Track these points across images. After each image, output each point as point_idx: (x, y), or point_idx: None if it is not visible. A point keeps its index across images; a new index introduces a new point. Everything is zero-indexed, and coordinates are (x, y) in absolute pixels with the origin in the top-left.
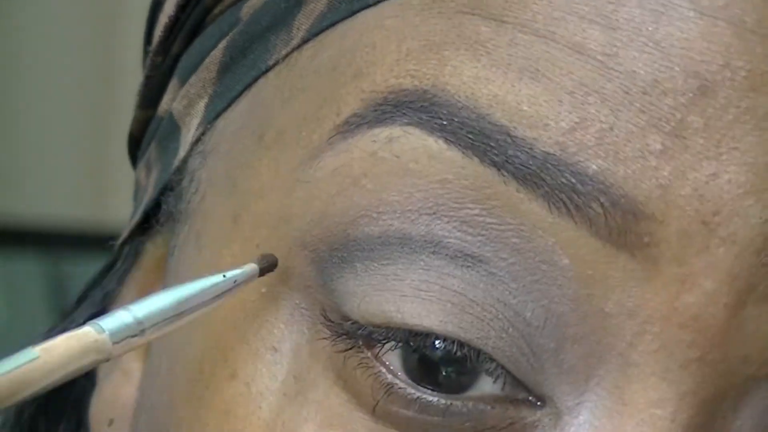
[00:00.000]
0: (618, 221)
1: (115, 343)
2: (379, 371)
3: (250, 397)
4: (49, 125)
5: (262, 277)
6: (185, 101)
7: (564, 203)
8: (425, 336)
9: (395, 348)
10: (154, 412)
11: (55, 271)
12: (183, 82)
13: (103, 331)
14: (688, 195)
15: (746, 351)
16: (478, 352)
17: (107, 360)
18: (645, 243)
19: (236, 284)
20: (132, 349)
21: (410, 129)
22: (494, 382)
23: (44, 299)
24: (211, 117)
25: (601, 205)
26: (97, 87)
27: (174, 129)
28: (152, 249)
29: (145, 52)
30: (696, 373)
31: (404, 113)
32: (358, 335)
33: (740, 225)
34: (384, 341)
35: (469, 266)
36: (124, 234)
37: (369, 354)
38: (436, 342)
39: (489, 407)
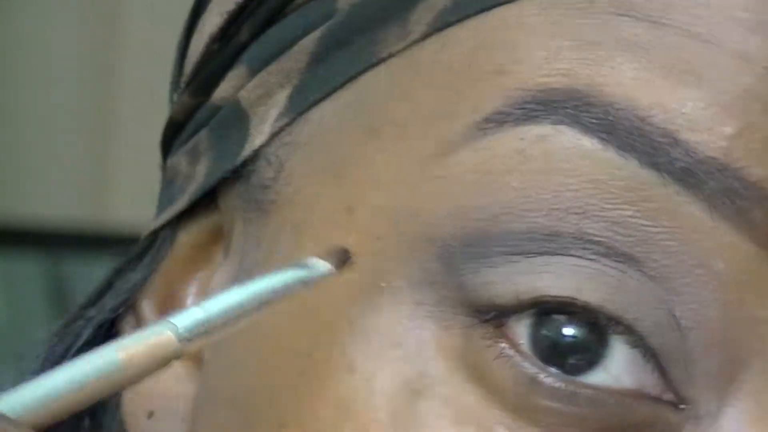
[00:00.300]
0: None
1: (188, 341)
2: (520, 362)
3: (371, 392)
4: (49, 125)
5: (378, 271)
6: (260, 90)
7: (726, 207)
8: (570, 314)
9: (530, 330)
10: (240, 403)
11: (55, 271)
12: (255, 70)
13: (180, 334)
14: None
15: None
16: (633, 330)
17: (177, 358)
18: None
19: (307, 286)
20: (196, 347)
21: (562, 128)
22: (645, 362)
23: (44, 299)
24: (302, 107)
25: (763, 210)
26: (98, 87)
27: (240, 117)
28: (186, 238)
29: (186, 39)
30: None
31: (554, 112)
32: (498, 320)
33: None
34: (520, 320)
35: (621, 262)
36: (159, 222)
37: (506, 344)
38: (574, 320)
39: (635, 401)
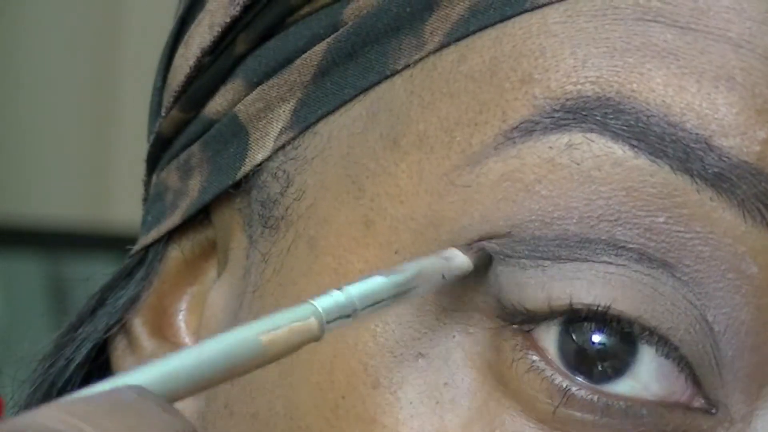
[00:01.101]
0: None
1: (328, 322)
2: (552, 374)
3: (398, 406)
4: (50, 126)
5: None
6: (260, 104)
7: (759, 212)
8: (600, 322)
9: (558, 337)
10: (261, 419)
11: (55, 271)
12: (254, 84)
13: (320, 313)
14: None
15: None
16: (666, 340)
17: (317, 341)
18: None
19: (445, 279)
20: (334, 329)
21: (592, 136)
22: (679, 372)
23: (44, 299)
24: (309, 121)
25: None
26: (98, 88)
27: (237, 132)
28: (178, 254)
29: (170, 54)
30: None
31: (584, 120)
32: (527, 328)
33: None
34: (549, 330)
35: (654, 268)
36: (150, 238)
37: (537, 356)
38: (605, 329)
39: (667, 411)
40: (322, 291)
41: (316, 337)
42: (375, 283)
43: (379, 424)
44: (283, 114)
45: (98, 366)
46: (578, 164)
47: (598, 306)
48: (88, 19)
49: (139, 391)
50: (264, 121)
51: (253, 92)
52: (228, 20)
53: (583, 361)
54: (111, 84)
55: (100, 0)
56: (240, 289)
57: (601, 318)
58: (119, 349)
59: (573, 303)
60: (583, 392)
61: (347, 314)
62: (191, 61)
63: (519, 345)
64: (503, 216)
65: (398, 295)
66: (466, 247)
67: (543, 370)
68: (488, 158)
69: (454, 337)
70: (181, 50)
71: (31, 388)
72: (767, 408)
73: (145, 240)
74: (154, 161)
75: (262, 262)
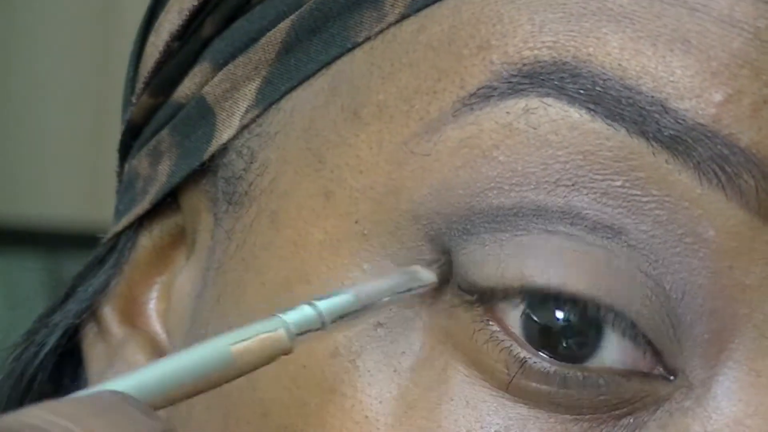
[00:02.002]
0: None
1: (298, 335)
2: (511, 345)
3: (357, 374)
4: (49, 125)
5: (360, 253)
6: (226, 84)
7: (715, 174)
8: (559, 301)
9: (521, 315)
10: (222, 394)
11: (55, 271)
12: (220, 65)
13: (288, 326)
14: None
15: None
16: (623, 317)
17: (287, 354)
18: None
19: (413, 290)
20: (304, 342)
21: (549, 100)
22: (635, 348)
23: (44, 299)
24: (273, 98)
25: (753, 177)
26: (98, 87)
27: (204, 114)
28: (147, 241)
29: (141, 43)
30: None
31: (541, 85)
32: (488, 302)
33: None
34: (511, 306)
35: (609, 237)
36: (120, 226)
37: (498, 327)
38: (566, 307)
39: (624, 379)
40: (283, 263)
41: (287, 349)
42: (343, 299)
43: (338, 393)
44: (248, 93)
45: (69, 353)
46: (535, 129)
47: (551, 287)
48: (87, 19)
49: (123, 395)
50: (230, 102)
51: (220, 73)
52: (195, 4)
53: (548, 339)
54: (111, 84)
55: (99, 0)
56: (207, 269)
57: (557, 298)
58: (89, 336)
59: (525, 285)
60: (540, 363)
61: (316, 327)
62: (161, 47)
63: (479, 316)
64: (462, 183)
65: (365, 308)
66: (428, 262)
67: (502, 341)
68: (446, 125)
69: (413, 307)
70: (151, 38)
71: (1, 376)
72: (726, 373)
73: (116, 227)
74: (126, 150)
75: (226, 239)
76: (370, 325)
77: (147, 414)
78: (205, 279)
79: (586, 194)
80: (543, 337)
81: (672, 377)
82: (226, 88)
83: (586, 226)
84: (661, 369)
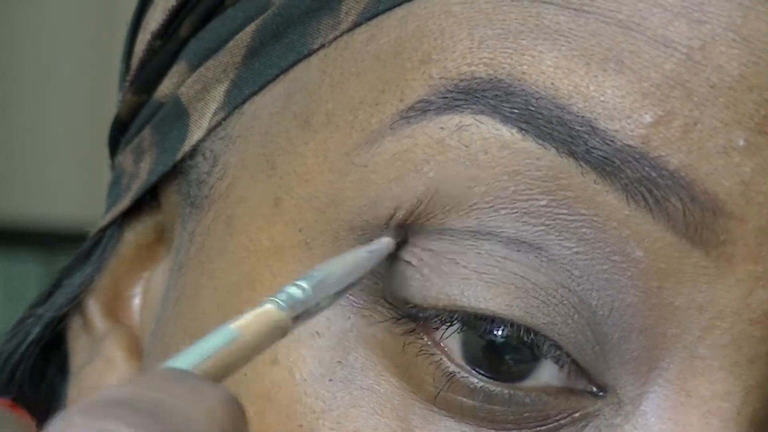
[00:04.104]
0: (696, 217)
1: (294, 318)
2: (441, 359)
3: (293, 382)
4: (50, 125)
5: (302, 262)
6: (198, 86)
7: (643, 197)
8: (490, 321)
9: (457, 332)
10: None
11: (55, 271)
12: (195, 66)
13: (285, 308)
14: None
15: None
16: (545, 338)
17: (284, 336)
18: (721, 241)
19: (374, 258)
20: (303, 324)
21: (482, 118)
22: (560, 369)
23: None
24: (237, 101)
25: (681, 200)
26: (98, 87)
27: (180, 114)
28: (132, 237)
29: (131, 38)
30: (764, 367)
31: (476, 101)
32: (419, 318)
33: None
34: (446, 325)
35: (527, 251)
36: (105, 221)
37: (429, 341)
38: (501, 327)
39: (552, 398)
40: (234, 268)
41: (284, 334)
42: (327, 273)
43: (274, 401)
44: (217, 95)
45: (57, 345)
46: (467, 147)
47: (473, 308)
48: (87, 19)
49: (181, 369)
50: (202, 103)
51: (194, 74)
52: (175, 3)
53: (489, 357)
54: (111, 83)
55: (100, 0)
56: (172, 270)
57: (482, 318)
58: (74, 328)
59: (447, 306)
60: (467, 378)
61: (309, 308)
62: (144, 45)
63: (411, 330)
64: (391, 197)
65: (349, 285)
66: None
67: (432, 355)
68: (385, 138)
69: (349, 318)
70: (140, 36)
71: None
72: (656, 391)
73: (102, 222)
74: (114, 146)
75: (188, 242)
76: (309, 335)
77: (212, 382)
78: (170, 280)
79: (505, 214)
80: (484, 354)
81: (602, 393)
82: (199, 89)
83: (500, 241)
84: (591, 386)
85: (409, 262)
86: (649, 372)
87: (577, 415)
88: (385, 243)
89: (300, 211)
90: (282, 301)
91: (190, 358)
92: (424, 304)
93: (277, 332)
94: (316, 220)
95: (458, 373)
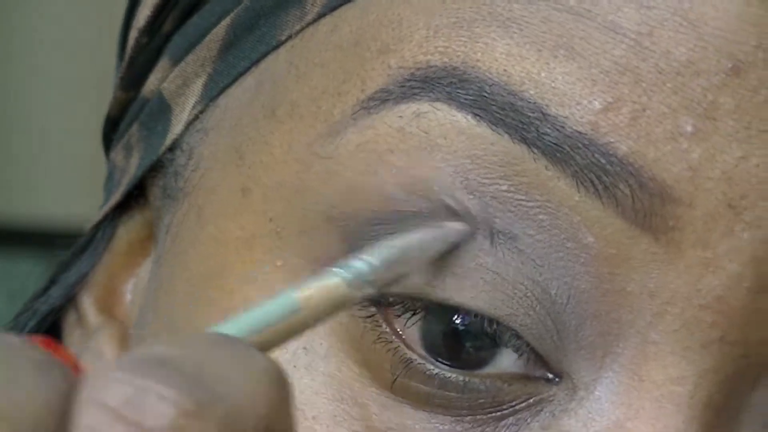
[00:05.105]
0: (645, 204)
1: (355, 290)
2: (398, 346)
3: None
4: (50, 125)
5: (274, 250)
6: (179, 80)
7: (592, 183)
8: (453, 310)
9: (417, 321)
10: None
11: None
12: (176, 61)
13: (351, 283)
14: (716, 178)
15: (764, 333)
16: (506, 328)
17: (344, 310)
18: (670, 227)
19: (452, 244)
20: (365, 298)
21: (438, 105)
22: (518, 357)
23: None
24: (212, 94)
25: (629, 186)
26: (98, 87)
27: (164, 109)
28: (124, 233)
29: (124, 35)
30: (716, 352)
31: (432, 89)
32: (383, 304)
33: (765, 209)
34: (409, 312)
35: (501, 243)
36: (99, 216)
37: (388, 329)
38: (464, 317)
39: (507, 384)
40: (205, 259)
41: (346, 308)
42: (391, 251)
43: None
44: (196, 89)
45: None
46: (426, 133)
47: (434, 297)
48: (88, 19)
49: (225, 335)
50: (183, 98)
51: (176, 69)
52: (157, 0)
53: (450, 344)
54: (111, 83)
55: (101, 1)
56: (153, 264)
57: (449, 307)
58: (69, 323)
59: (412, 294)
60: (423, 365)
61: (370, 283)
62: (132, 42)
63: (372, 316)
64: (365, 188)
65: (412, 266)
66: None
67: (390, 342)
68: (347, 128)
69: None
70: (131, 33)
71: None
72: (610, 376)
73: (96, 218)
74: (108, 142)
75: (165, 234)
76: None
77: (259, 352)
78: (152, 273)
79: (479, 198)
80: (444, 342)
81: (557, 379)
82: (180, 84)
83: (479, 232)
84: (546, 372)
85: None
86: (604, 357)
87: (532, 400)
88: (460, 228)
89: (267, 200)
90: (349, 275)
91: (242, 324)
92: (390, 290)
93: (340, 308)
94: (285, 209)
95: (415, 360)
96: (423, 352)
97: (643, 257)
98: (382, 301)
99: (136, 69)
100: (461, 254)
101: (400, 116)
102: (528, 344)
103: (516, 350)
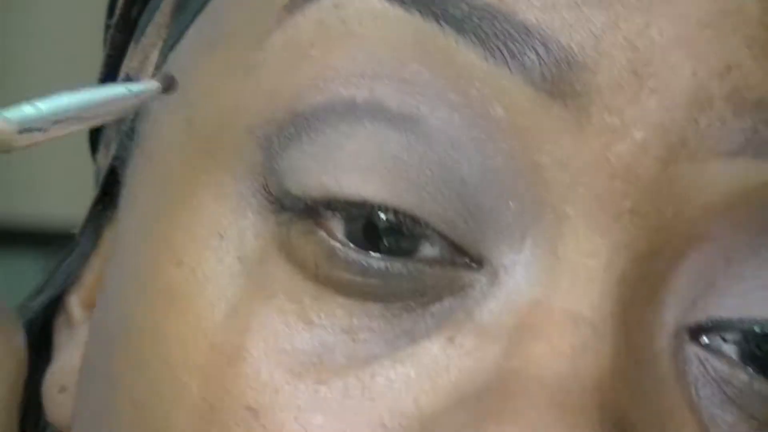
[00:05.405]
0: (552, 70)
1: (19, 133)
2: (321, 236)
3: (195, 280)
4: None
5: (208, 170)
6: (140, 56)
7: (500, 51)
8: (366, 206)
9: (339, 218)
10: (97, 322)
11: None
12: (138, 40)
13: (8, 120)
14: (620, 44)
15: (679, 207)
16: (414, 217)
17: (8, 151)
18: (577, 91)
19: (137, 96)
20: (34, 144)
21: None
22: (437, 246)
23: None
24: (165, 55)
25: (536, 53)
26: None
27: None
28: (110, 235)
29: (106, 39)
30: (628, 225)
31: None
32: (301, 209)
33: (670, 77)
34: (329, 212)
35: (407, 129)
36: (84, 220)
37: (312, 223)
38: (377, 211)
39: (428, 267)
40: (153, 198)
41: (6, 147)
42: (65, 99)
43: (178, 298)
44: (154, 58)
45: (45, 336)
46: (344, 22)
47: (341, 196)
48: (88, 18)
49: None
50: (143, 72)
51: (137, 48)
52: None
53: (372, 239)
54: None
55: (102, 0)
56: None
57: (356, 205)
58: (58, 324)
59: (323, 196)
60: (346, 252)
61: (39, 128)
62: (109, 39)
63: (298, 215)
64: (286, 88)
65: (89, 116)
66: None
67: (314, 233)
68: (272, 34)
69: (248, 216)
70: (108, 31)
71: None
72: (529, 257)
73: (83, 222)
74: (94, 144)
75: (123, 187)
76: (213, 237)
77: None
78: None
79: (389, 83)
80: (365, 236)
81: (478, 266)
82: (141, 59)
83: (387, 117)
84: (467, 260)
85: (294, 154)
86: (523, 240)
87: (455, 287)
88: (151, 85)
89: (207, 126)
90: (8, 114)
91: None
92: (303, 195)
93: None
94: (221, 131)
95: (336, 247)
96: (346, 241)
97: (553, 125)
98: (300, 206)
99: (110, 66)
100: (366, 145)
101: (319, 9)
102: (440, 233)
103: (432, 239)
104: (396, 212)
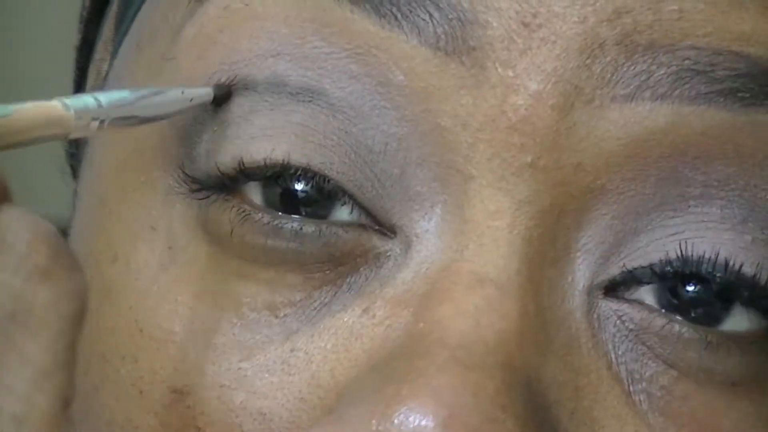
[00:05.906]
0: (445, 28)
1: (77, 120)
2: (236, 203)
3: (129, 272)
4: None
5: (139, 168)
6: (95, 73)
7: (393, 15)
8: (280, 169)
9: (256, 186)
10: None
11: None
12: (93, 59)
13: (69, 108)
14: None
15: (579, 158)
16: (324, 176)
17: (66, 137)
18: (471, 47)
19: (192, 102)
20: (89, 134)
21: None
22: (350, 212)
23: None
24: (115, 49)
25: (428, 12)
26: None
27: (102, 87)
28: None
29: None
30: (530, 180)
31: None
32: (220, 186)
33: (559, 25)
34: (243, 181)
35: (309, 101)
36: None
37: (229, 194)
38: (293, 179)
39: (342, 230)
40: (92, 200)
41: (65, 133)
42: (123, 94)
43: (113, 291)
44: (104, 72)
45: None
46: (247, 5)
47: (250, 162)
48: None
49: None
50: (106, 63)
51: (93, 66)
52: (84, 15)
53: (291, 207)
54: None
55: None
56: None
57: (267, 168)
58: None
59: (235, 168)
60: (258, 216)
61: (96, 118)
62: (75, 65)
63: (216, 192)
64: (198, 76)
65: (145, 115)
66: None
67: (230, 201)
68: (185, 26)
69: (176, 206)
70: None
71: None
72: (439, 224)
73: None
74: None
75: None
76: (146, 230)
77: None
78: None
79: (290, 60)
80: (284, 204)
81: (392, 235)
82: (95, 76)
83: (289, 92)
84: (380, 227)
85: (207, 138)
86: (433, 207)
87: (371, 255)
88: (204, 91)
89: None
90: (70, 102)
91: None
92: (218, 172)
93: (55, 127)
94: (146, 128)
95: (250, 211)
96: (263, 207)
97: (452, 84)
98: (218, 182)
99: (77, 87)
100: (273, 117)
101: None
102: (351, 196)
103: (345, 204)
104: (308, 175)
